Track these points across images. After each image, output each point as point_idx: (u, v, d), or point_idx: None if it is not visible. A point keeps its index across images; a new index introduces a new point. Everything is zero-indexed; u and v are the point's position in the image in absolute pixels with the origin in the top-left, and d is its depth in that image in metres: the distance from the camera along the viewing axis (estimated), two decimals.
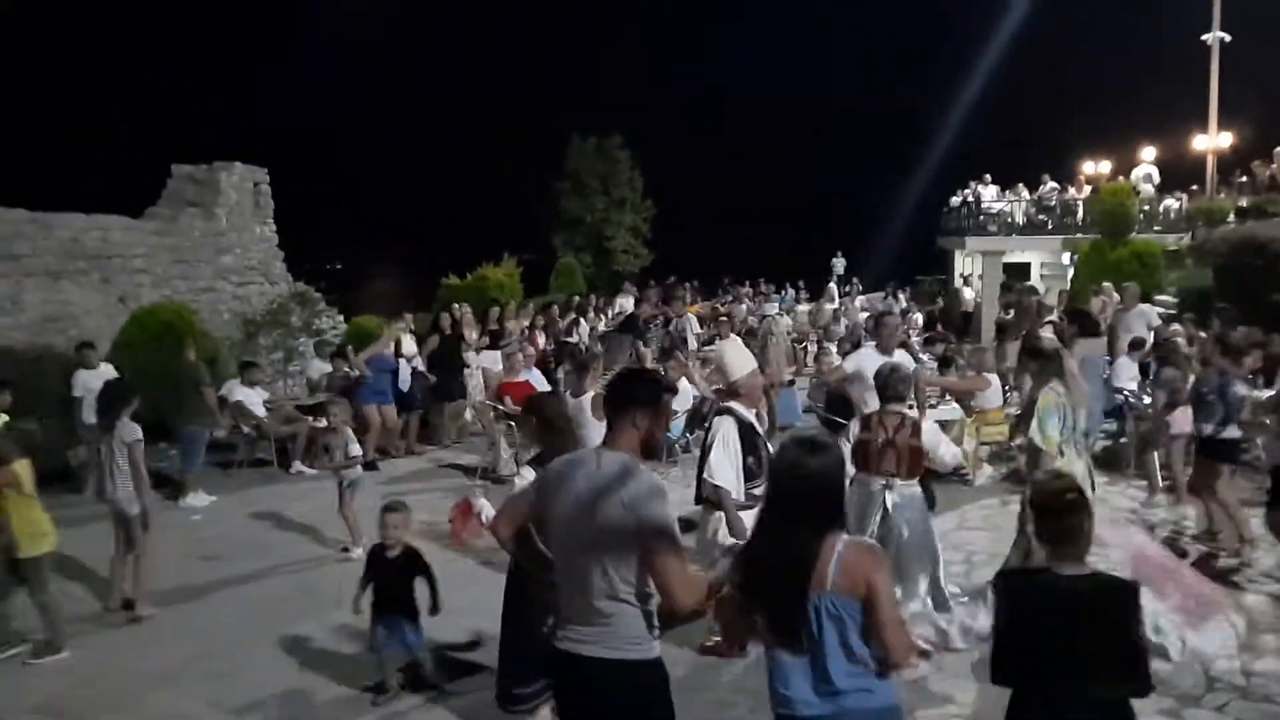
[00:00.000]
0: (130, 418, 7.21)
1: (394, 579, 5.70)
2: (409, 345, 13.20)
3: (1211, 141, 22.66)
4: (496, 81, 42.59)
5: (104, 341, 12.23)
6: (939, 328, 17.75)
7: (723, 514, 5.59)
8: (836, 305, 25.31)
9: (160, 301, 13.92)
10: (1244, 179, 20.92)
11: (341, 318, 17.49)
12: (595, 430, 7.44)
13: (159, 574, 7.44)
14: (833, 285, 29.81)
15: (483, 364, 13.42)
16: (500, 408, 11.66)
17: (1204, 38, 21.84)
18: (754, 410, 6.09)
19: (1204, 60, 22.21)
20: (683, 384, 10.60)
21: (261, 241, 17.89)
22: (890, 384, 6.04)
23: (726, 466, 5.58)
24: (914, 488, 5.95)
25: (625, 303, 20.90)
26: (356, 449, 8.75)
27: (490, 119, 41.31)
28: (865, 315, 20.52)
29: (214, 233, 16.67)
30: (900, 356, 7.48)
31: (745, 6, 44.37)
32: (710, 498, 5.66)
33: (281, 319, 15.18)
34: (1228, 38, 21.44)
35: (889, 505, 5.82)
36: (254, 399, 11.95)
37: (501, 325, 14.83)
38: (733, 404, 5.82)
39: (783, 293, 27.67)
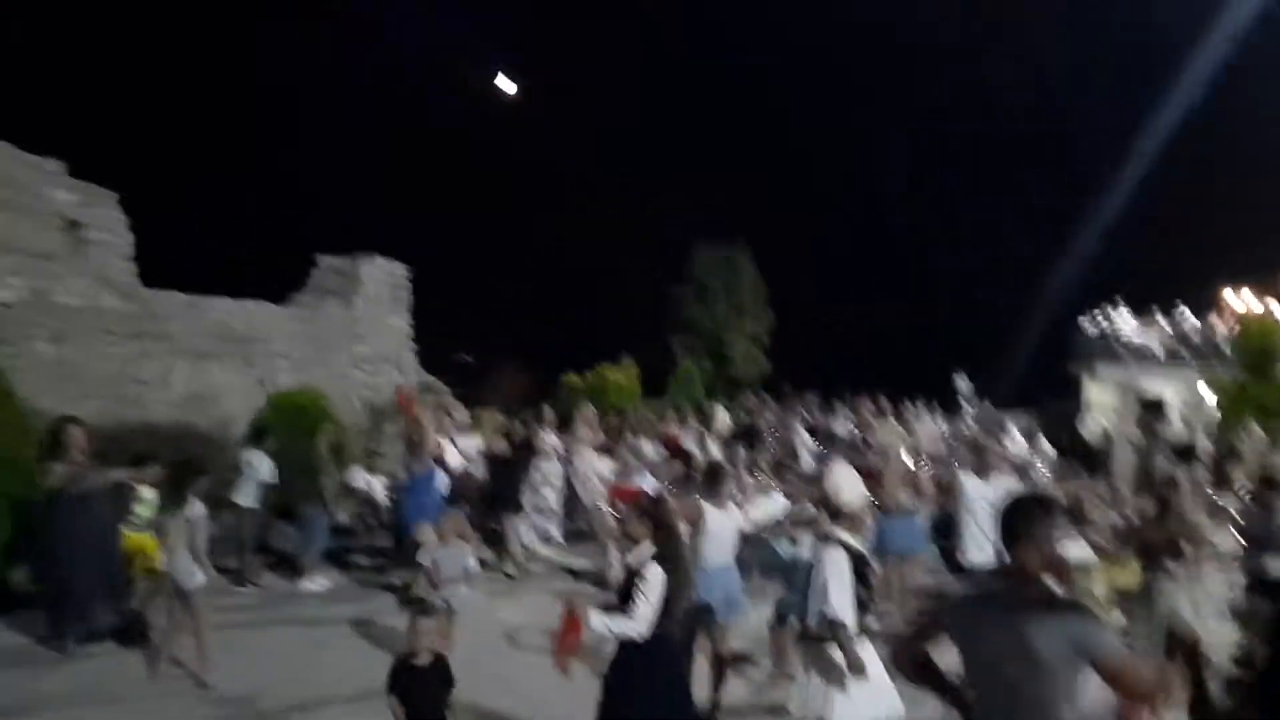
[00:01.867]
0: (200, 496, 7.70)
1: (426, 690, 5.53)
2: (453, 454, 11.86)
3: None
4: (626, 184, 43.64)
5: (241, 422, 12.80)
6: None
7: (835, 649, 5.43)
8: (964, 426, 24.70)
9: (296, 386, 14.51)
10: None
11: (465, 410, 17.91)
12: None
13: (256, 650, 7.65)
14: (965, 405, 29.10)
15: (596, 468, 13.40)
16: (615, 513, 11.66)
17: None
18: (860, 536, 5.93)
19: None
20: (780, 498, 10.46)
21: (395, 332, 18.56)
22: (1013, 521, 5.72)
23: (844, 600, 5.43)
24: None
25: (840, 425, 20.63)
26: (472, 563, 8.37)
27: (617, 221, 42.22)
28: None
29: (351, 321, 17.38)
30: (1004, 482, 7.23)
31: (871, 118, 44.78)
32: (822, 633, 5.48)
33: None
34: None
35: None
36: (377, 487, 12.28)
37: (619, 429, 14.73)
38: (840, 531, 5.67)
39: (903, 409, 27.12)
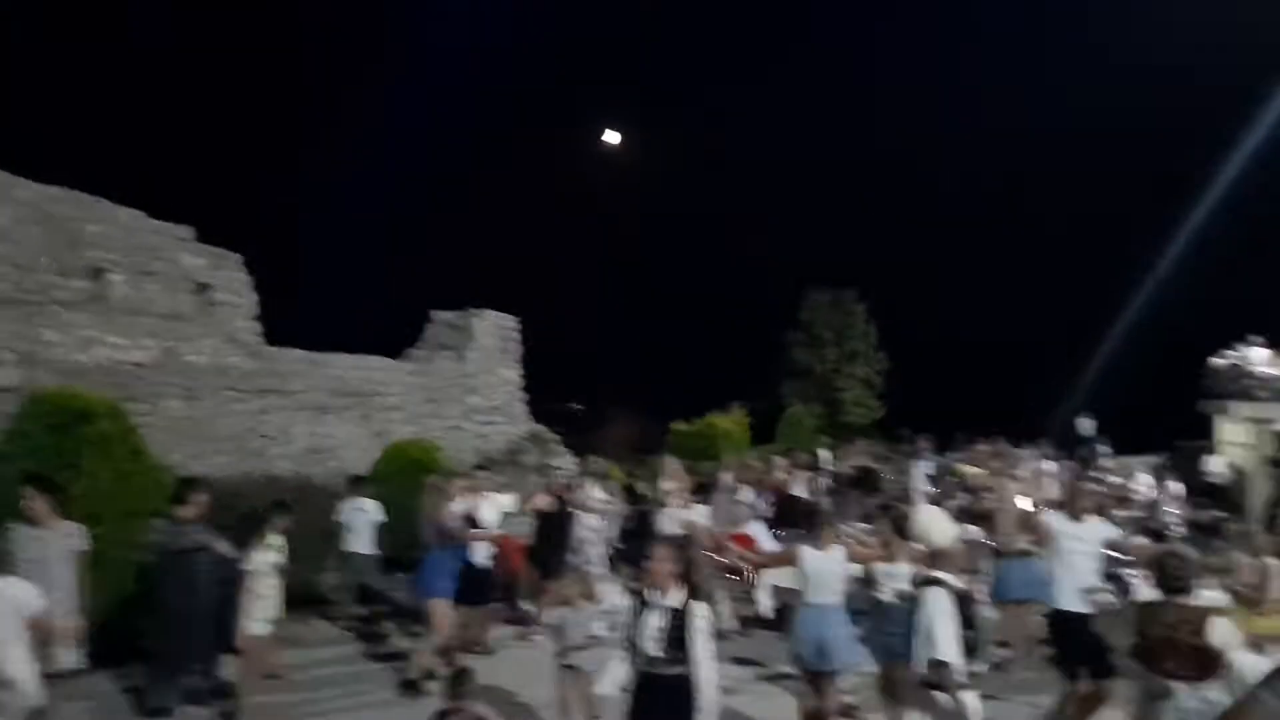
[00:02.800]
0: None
1: None
2: (488, 511, 10.54)
3: None
4: (732, 230, 43.87)
5: (358, 474, 13.20)
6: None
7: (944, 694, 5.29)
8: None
9: (410, 438, 14.90)
10: None
11: (574, 458, 18.11)
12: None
13: None
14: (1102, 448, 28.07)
15: (691, 518, 13.16)
16: (723, 560, 11.54)
17: None
18: (963, 578, 5.77)
19: None
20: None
21: (506, 384, 18.96)
22: (1173, 573, 5.38)
23: (951, 642, 5.31)
24: (1208, 693, 5.06)
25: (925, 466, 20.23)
26: (600, 627, 7.37)
27: (726, 267, 42.42)
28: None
29: (463, 374, 17.82)
30: (1098, 525, 6.97)
31: (987, 155, 44.06)
32: (930, 678, 5.35)
33: (517, 458, 15.87)
34: None
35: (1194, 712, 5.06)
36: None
37: (715, 477, 14.34)
38: (939, 573, 5.54)
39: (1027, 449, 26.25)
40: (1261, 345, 25.59)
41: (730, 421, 21.39)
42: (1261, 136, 36.63)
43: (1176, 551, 5.61)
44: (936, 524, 5.81)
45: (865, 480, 16.95)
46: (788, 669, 9.05)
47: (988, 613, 10.28)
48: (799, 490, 15.65)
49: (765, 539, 11.82)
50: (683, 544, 5.51)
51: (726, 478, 13.76)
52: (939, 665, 5.24)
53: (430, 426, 16.52)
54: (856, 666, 7.37)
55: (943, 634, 5.27)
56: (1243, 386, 25.02)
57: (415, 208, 40.94)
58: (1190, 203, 41.43)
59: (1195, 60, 37.51)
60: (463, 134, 43.82)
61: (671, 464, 13.77)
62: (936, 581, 5.49)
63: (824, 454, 20.65)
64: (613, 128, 34.23)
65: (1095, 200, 45.01)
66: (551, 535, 11.08)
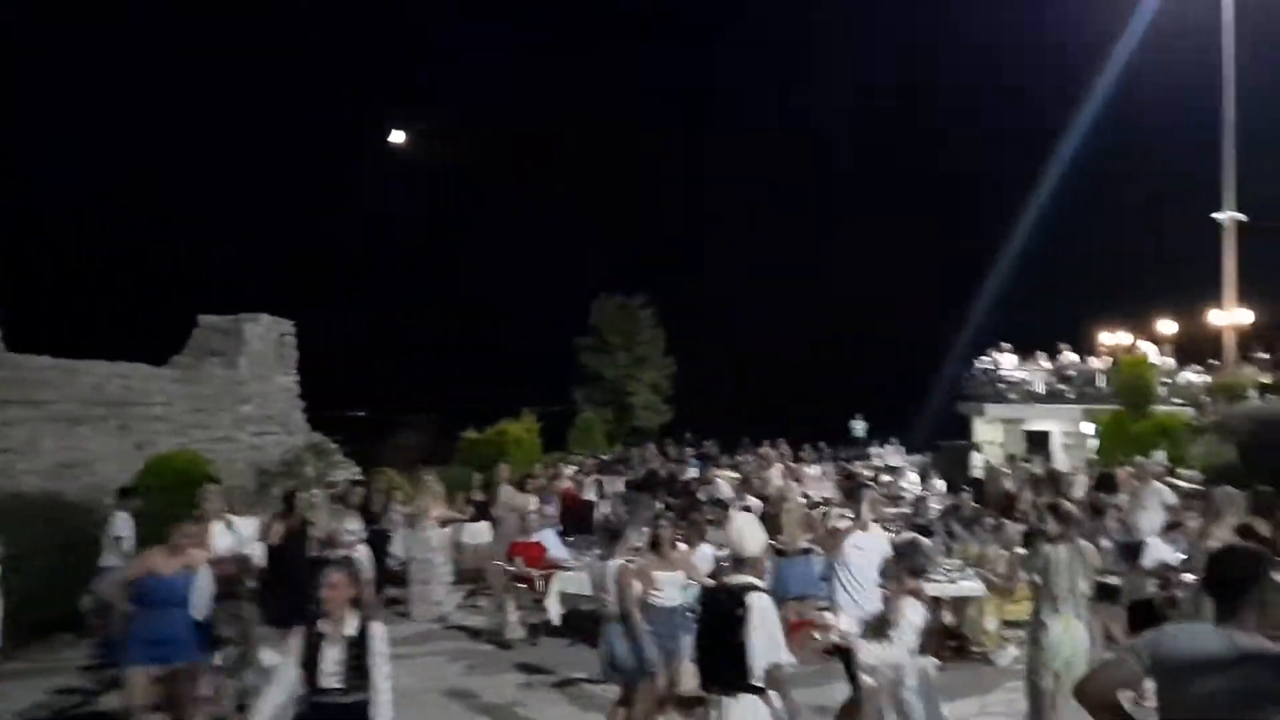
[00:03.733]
0: None
1: None
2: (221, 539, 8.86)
3: (1228, 317, 22.78)
4: (522, 236, 43.74)
5: (116, 488, 12.19)
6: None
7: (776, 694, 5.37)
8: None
9: (176, 449, 13.93)
10: (1266, 355, 20.92)
11: (358, 470, 17.43)
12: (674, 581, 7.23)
13: None
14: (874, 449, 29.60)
15: (469, 538, 12.92)
16: (511, 569, 11.41)
17: (1216, 216, 22.22)
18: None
19: (1218, 236, 22.53)
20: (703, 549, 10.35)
21: (282, 391, 18.05)
22: (911, 559, 5.81)
23: (780, 643, 5.40)
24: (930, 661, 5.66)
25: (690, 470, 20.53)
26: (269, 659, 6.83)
27: (515, 273, 42.23)
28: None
29: (234, 382, 16.83)
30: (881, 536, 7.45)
31: (765, 180, 45.88)
32: (767, 681, 5.39)
33: (296, 470, 15.14)
34: (1243, 217, 21.80)
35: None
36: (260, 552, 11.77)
37: (490, 493, 13.70)
38: (753, 579, 5.64)
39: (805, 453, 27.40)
40: (1010, 351, 27.83)
41: (521, 428, 21.22)
42: (1024, 152, 39.85)
43: (914, 542, 5.99)
44: (749, 531, 5.87)
45: (653, 484, 17.18)
46: (575, 675, 9.05)
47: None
48: (589, 495, 15.71)
49: (556, 546, 11.77)
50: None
51: (507, 490, 13.50)
52: (776, 667, 5.31)
53: (198, 438, 15.50)
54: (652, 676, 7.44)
55: (773, 637, 5.35)
56: (995, 390, 27.12)
57: (185, 206, 38.57)
58: (959, 220, 44.63)
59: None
60: (235, 126, 41.69)
61: (430, 481, 13.30)
62: (755, 587, 5.55)
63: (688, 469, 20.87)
64: (398, 127, 33.38)
65: (877, 210, 47.79)
66: (282, 574, 9.02)
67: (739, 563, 5.78)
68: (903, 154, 44.25)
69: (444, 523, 12.83)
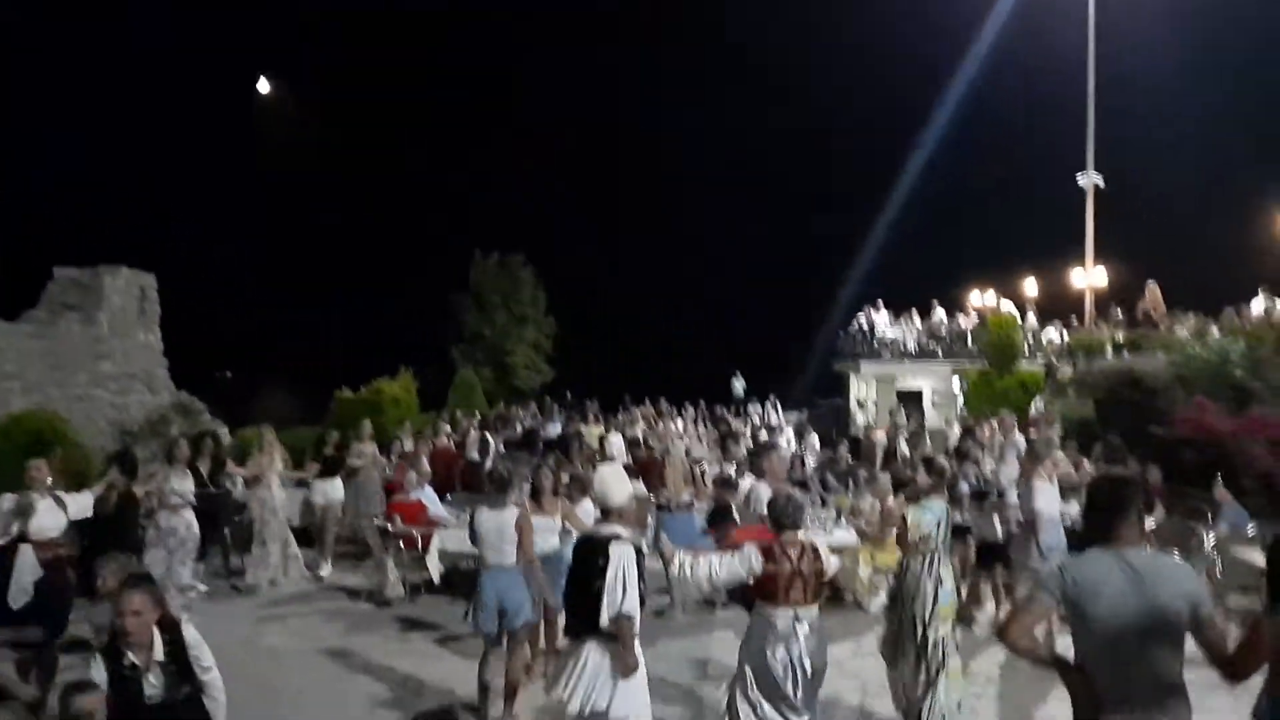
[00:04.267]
0: None
1: None
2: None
3: (1088, 277, 23.87)
4: (399, 193, 42.69)
5: None
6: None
7: (619, 644, 5.42)
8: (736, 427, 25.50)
9: (29, 409, 13.20)
10: (1120, 314, 22.00)
11: (226, 430, 16.84)
12: (512, 546, 7.16)
13: None
14: (753, 407, 30.12)
15: (324, 495, 12.34)
16: (390, 528, 11.22)
17: (1078, 179, 23.17)
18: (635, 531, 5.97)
19: (1081, 199, 23.53)
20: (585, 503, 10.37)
21: (144, 348, 17.25)
22: (788, 512, 5.91)
23: (634, 595, 5.45)
24: (816, 612, 5.72)
25: (553, 427, 20.53)
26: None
27: (391, 228, 41.23)
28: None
29: (93, 338, 16.01)
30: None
31: (651, 133, 45.85)
32: (612, 629, 5.44)
33: (160, 430, 14.53)
34: (1101, 181, 22.79)
35: (801, 636, 5.59)
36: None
37: (340, 450, 13.08)
38: (619, 529, 5.67)
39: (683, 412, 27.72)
40: (884, 309, 28.61)
41: (398, 387, 20.76)
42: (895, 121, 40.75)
43: (788, 494, 6.10)
44: (614, 482, 5.88)
45: (534, 442, 17.09)
46: (457, 632, 8.96)
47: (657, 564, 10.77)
48: (473, 454, 15.54)
49: (435, 504, 11.63)
50: (151, 585, 4.93)
51: (369, 448, 13.15)
52: (622, 617, 5.35)
53: (54, 397, 14.72)
54: (531, 625, 7.43)
55: (625, 588, 5.39)
56: (869, 348, 27.85)
57: (38, 151, 36.34)
58: (836, 185, 45.46)
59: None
60: (106, 69, 39.35)
61: (269, 437, 12.42)
62: (616, 537, 5.57)
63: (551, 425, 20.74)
64: (268, 76, 32.09)
65: (756, 174, 48.29)
66: (108, 540, 8.10)
67: (605, 513, 5.82)
68: (780, 115, 44.73)
69: (297, 483, 12.50)
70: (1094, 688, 3.55)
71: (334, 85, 44.05)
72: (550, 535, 7.70)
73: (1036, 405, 16.39)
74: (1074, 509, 10.59)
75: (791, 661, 5.56)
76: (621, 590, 5.41)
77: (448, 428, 16.78)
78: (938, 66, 37.32)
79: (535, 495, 7.76)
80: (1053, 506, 9.21)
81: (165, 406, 15.63)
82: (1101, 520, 3.70)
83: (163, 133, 39.51)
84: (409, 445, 14.09)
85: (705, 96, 44.53)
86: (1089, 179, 22.39)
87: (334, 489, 12.39)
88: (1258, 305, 17.79)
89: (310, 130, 39.53)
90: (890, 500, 10.57)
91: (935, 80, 37.71)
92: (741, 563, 5.63)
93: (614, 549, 5.51)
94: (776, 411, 28.53)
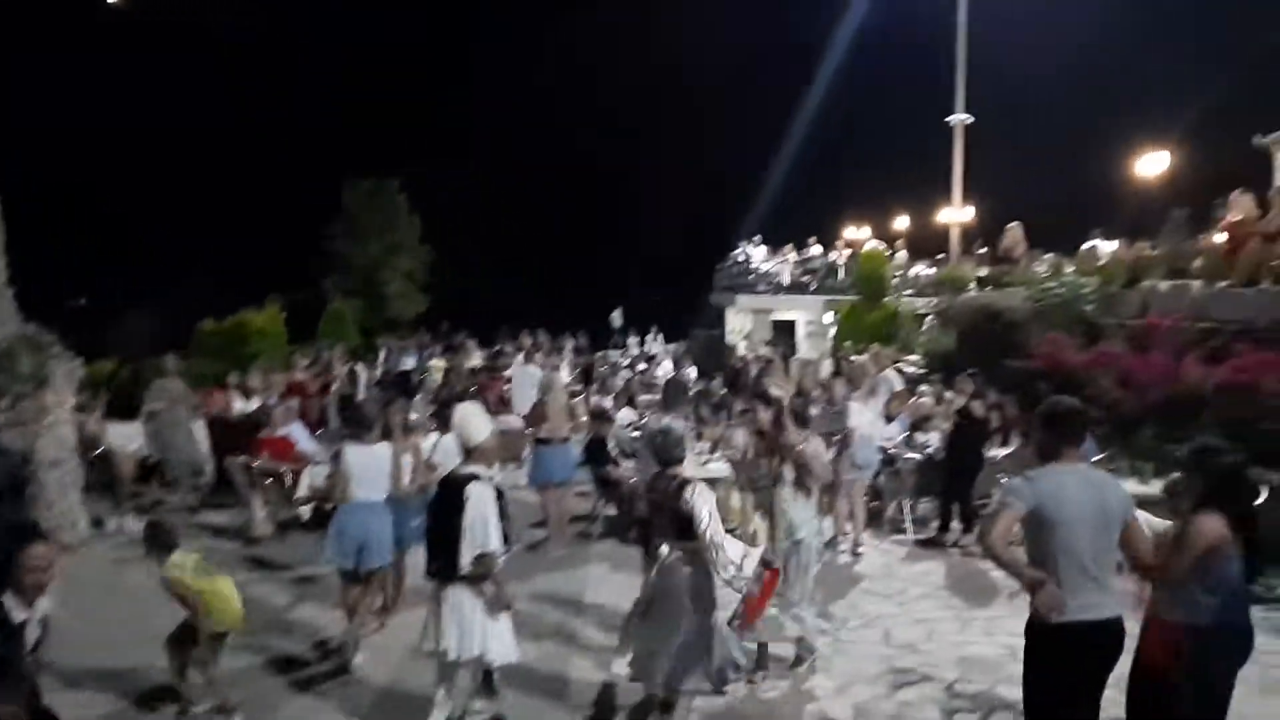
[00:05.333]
0: None
1: None
2: None
3: (955, 214, 24.55)
4: (264, 113, 40.80)
5: None
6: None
7: (486, 584, 5.40)
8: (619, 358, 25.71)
9: None
10: (983, 250, 22.73)
11: (80, 362, 15.95)
12: (383, 479, 7.04)
13: None
14: (631, 339, 30.24)
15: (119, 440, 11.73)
16: (256, 465, 10.87)
17: (948, 119, 23.69)
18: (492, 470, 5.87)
19: (951, 138, 24.07)
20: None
21: None
22: (668, 447, 5.90)
23: (494, 533, 5.42)
24: (689, 548, 5.61)
25: (408, 360, 20.18)
26: None
27: (257, 151, 39.37)
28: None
29: None
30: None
31: (529, 61, 44.86)
32: (474, 569, 5.42)
33: (6, 366, 13.64)
34: (969, 119, 23.33)
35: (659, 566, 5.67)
36: None
37: (140, 387, 12.63)
38: (477, 468, 5.61)
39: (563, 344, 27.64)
40: (761, 244, 28.99)
41: (265, 318, 20.05)
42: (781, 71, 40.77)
43: (667, 429, 6.10)
44: (471, 420, 5.79)
45: (404, 380, 16.80)
46: (325, 570, 8.81)
47: (530, 496, 10.79)
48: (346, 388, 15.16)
49: (304, 440, 11.34)
50: (48, 539, 4.86)
51: (170, 385, 12.46)
52: (483, 557, 5.31)
53: None
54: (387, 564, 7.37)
55: (485, 528, 5.35)
56: (746, 281, 28.24)
57: None
58: (720, 121, 45.43)
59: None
60: None
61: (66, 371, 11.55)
62: (475, 477, 5.51)
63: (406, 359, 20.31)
64: None
65: (634, 111, 47.87)
66: None
67: (467, 452, 5.74)
68: (659, 52, 44.30)
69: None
70: (1052, 583, 4.11)
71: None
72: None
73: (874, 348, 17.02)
74: (934, 438, 11.06)
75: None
76: (482, 530, 5.38)
77: (304, 362, 16.23)
78: (817, 5, 37.53)
79: (385, 434, 7.53)
80: (867, 426, 10.09)
81: (10, 339, 14.64)
82: (1056, 441, 4.37)
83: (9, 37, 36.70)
84: (254, 382, 13.33)
85: (590, 25, 43.62)
86: (958, 118, 22.89)
87: (130, 435, 11.74)
88: (1097, 246, 18.54)
89: (168, 41, 37.42)
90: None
91: (815, 19, 37.90)
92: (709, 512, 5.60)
93: (472, 489, 5.45)
94: (659, 342, 28.81)
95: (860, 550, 9.87)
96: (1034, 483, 4.28)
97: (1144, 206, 21.32)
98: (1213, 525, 4.28)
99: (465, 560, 5.43)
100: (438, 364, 18.64)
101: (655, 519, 5.78)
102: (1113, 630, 4.25)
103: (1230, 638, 4.36)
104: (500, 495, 5.59)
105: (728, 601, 5.80)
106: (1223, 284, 12.48)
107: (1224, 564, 4.32)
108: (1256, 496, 4.65)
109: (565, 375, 17.60)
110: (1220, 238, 13.23)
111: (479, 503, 5.42)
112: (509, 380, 16.23)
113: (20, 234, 16.92)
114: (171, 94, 39.63)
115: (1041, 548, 4.24)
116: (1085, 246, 17.63)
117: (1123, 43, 32.82)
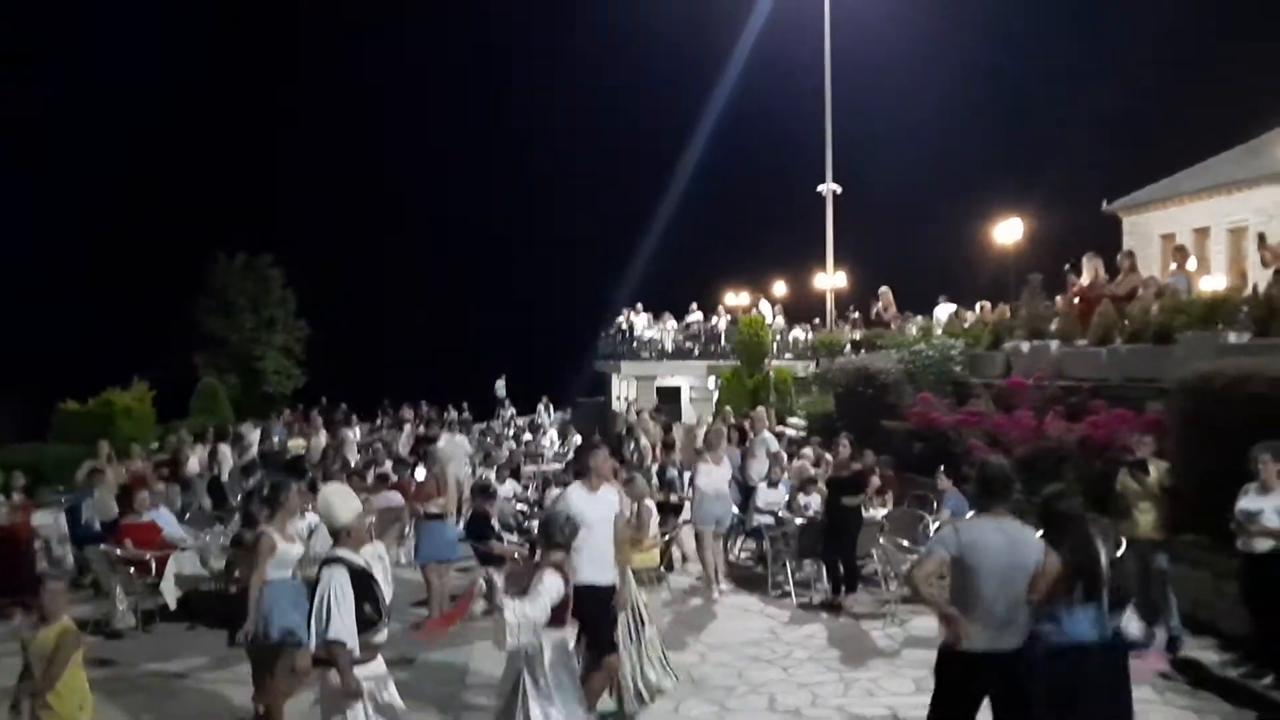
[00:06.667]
0: None
1: None
2: None
3: (829, 280, 25.32)
4: (123, 185, 39.63)
5: None
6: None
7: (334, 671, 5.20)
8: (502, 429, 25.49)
9: None
10: (856, 314, 23.47)
11: None
12: (284, 565, 6.76)
13: None
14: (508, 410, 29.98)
15: None
16: (120, 552, 10.32)
17: (819, 188, 24.54)
18: (361, 549, 5.69)
19: (823, 207, 24.91)
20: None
21: None
22: (564, 532, 5.85)
23: (340, 620, 5.20)
24: (560, 634, 5.69)
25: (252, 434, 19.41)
26: None
27: (119, 227, 38.12)
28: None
29: None
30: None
31: (408, 132, 44.80)
32: (320, 655, 5.23)
33: None
34: (839, 189, 24.23)
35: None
36: None
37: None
38: (341, 551, 5.44)
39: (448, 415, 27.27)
40: (642, 311, 29.33)
41: (131, 397, 19.27)
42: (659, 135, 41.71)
43: (567, 514, 6.05)
44: (335, 500, 5.62)
45: (295, 465, 16.26)
46: (196, 662, 8.39)
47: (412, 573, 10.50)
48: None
49: (171, 525, 10.85)
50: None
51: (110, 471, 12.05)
52: (334, 644, 5.12)
53: None
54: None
55: (330, 613, 5.14)
56: (630, 348, 28.48)
57: None
58: (600, 192, 46.03)
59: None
60: None
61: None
62: (336, 560, 5.33)
63: (252, 431, 19.51)
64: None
65: (528, 169, 48.18)
66: None
67: (333, 534, 5.58)
68: (536, 116, 44.91)
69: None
70: (963, 619, 4.77)
71: (69, 61, 40.41)
72: (288, 559, 7.16)
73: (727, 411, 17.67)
74: (815, 500, 11.24)
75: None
76: (326, 614, 5.18)
77: (138, 449, 15.04)
78: (693, 75, 38.68)
79: (272, 515, 7.24)
80: (712, 484, 11.05)
81: None
82: (984, 497, 5.09)
83: None
84: (99, 465, 12.65)
85: (464, 92, 43.94)
86: (828, 187, 23.73)
87: None
88: (940, 311, 19.43)
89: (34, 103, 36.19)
90: (646, 501, 10.82)
91: (691, 91, 39.09)
92: (547, 592, 5.52)
93: (323, 572, 5.30)
94: (548, 412, 28.66)
95: (722, 590, 10.85)
96: (959, 533, 5.00)
97: (1001, 271, 22.44)
98: (1050, 562, 4.89)
99: (311, 646, 5.26)
100: (297, 443, 18.05)
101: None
102: (1002, 660, 4.86)
103: (1044, 658, 4.91)
104: (367, 578, 5.39)
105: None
106: (1080, 342, 13.14)
107: (1058, 598, 4.91)
108: (1087, 541, 5.08)
109: (468, 447, 17.29)
110: (1074, 300, 13.95)
111: (327, 585, 5.24)
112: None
113: None
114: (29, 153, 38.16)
115: (959, 587, 4.91)
116: (937, 310, 18.44)
117: (978, 114, 34.78)
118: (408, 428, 21.52)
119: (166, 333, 33.05)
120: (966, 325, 17.16)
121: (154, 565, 10.08)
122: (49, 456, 15.35)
